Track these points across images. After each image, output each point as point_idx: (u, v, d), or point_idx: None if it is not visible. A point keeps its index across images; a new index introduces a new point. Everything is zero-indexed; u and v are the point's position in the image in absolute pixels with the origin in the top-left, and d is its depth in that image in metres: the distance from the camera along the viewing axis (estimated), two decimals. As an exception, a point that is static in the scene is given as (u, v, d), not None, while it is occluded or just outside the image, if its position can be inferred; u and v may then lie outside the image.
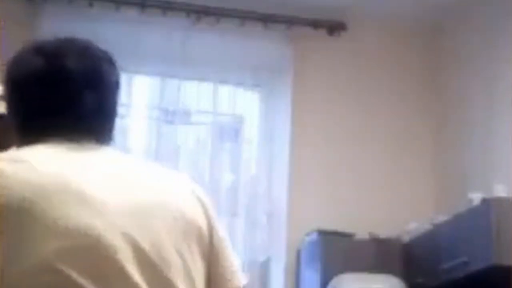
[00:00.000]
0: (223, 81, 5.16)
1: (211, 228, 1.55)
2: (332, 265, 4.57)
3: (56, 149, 1.48)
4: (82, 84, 1.53)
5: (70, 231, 1.34)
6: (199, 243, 1.51)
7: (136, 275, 1.37)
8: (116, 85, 1.60)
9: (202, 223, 1.54)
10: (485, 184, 4.36)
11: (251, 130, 5.28)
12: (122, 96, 1.80)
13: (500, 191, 4.11)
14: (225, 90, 5.18)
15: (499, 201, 3.95)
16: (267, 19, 5.15)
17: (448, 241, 4.25)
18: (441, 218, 4.44)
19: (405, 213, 4.94)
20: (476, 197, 4.12)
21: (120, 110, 1.67)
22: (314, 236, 4.76)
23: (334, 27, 5.26)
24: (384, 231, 4.77)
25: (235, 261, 1.61)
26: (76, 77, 1.53)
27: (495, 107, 4.71)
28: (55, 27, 4.83)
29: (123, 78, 1.87)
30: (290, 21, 5.18)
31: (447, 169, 5.14)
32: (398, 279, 4.48)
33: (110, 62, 1.60)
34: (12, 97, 1.57)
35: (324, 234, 4.73)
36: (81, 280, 1.31)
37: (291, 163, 5.09)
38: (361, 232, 4.79)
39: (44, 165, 1.41)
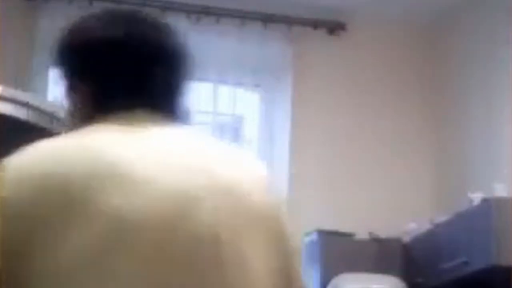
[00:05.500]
0: (223, 81, 5.16)
1: (283, 235, 1.44)
2: (332, 265, 4.56)
3: (116, 133, 1.38)
4: (153, 59, 1.49)
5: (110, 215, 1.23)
6: (268, 238, 1.39)
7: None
8: (187, 63, 1.58)
9: (272, 217, 1.43)
10: (485, 184, 4.36)
11: (251, 130, 5.28)
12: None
13: (500, 191, 4.11)
14: (225, 90, 5.18)
15: (499, 201, 3.95)
16: (267, 19, 5.15)
17: (448, 241, 4.25)
18: (441, 218, 4.44)
19: (405, 213, 4.94)
20: (476, 197, 4.12)
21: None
22: (314, 236, 4.76)
23: (334, 27, 5.26)
24: (384, 231, 4.77)
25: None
26: (149, 50, 1.48)
27: (495, 107, 4.72)
28: (55, 27, 4.84)
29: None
30: (290, 21, 5.18)
31: (447, 169, 5.14)
32: (398, 279, 4.48)
33: (181, 40, 1.56)
34: (80, 64, 1.47)
35: (324, 234, 4.72)
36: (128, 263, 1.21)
37: (291, 163, 5.08)
38: (361, 232, 4.79)
39: (104, 152, 1.30)
